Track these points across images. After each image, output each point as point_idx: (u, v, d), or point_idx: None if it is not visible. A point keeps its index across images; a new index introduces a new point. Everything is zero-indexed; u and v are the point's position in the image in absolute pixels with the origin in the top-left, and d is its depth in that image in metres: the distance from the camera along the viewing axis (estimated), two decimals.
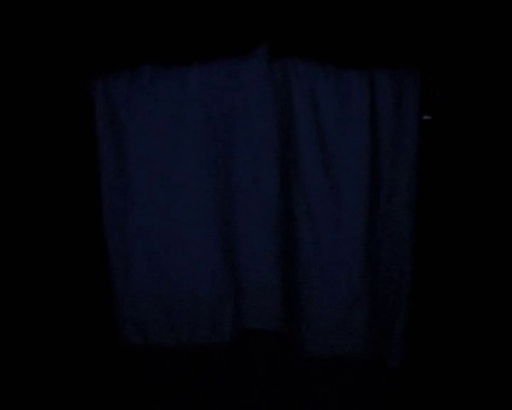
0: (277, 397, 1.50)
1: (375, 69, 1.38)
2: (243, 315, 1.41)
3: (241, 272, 1.39)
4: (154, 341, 1.42)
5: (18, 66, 1.44)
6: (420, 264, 1.43)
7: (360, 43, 1.46)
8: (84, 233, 1.49)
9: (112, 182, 1.37)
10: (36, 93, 1.44)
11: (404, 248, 1.39)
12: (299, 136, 1.37)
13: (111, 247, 1.38)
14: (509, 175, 1.49)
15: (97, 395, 1.55)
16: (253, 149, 1.36)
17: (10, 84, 1.44)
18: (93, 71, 1.36)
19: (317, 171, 1.37)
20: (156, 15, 1.46)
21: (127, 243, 1.38)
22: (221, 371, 1.49)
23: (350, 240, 1.38)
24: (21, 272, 1.51)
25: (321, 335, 1.41)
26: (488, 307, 1.53)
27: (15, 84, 1.44)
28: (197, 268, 1.39)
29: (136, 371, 1.47)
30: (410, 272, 1.39)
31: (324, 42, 1.48)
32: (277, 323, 1.39)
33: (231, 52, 1.40)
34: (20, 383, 1.53)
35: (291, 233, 1.39)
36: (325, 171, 1.37)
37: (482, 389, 1.54)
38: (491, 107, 1.51)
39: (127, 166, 1.36)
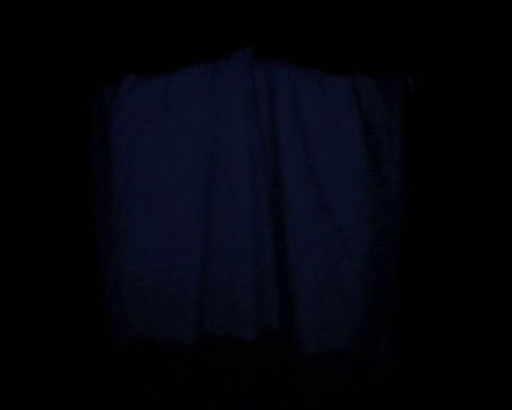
0: (266, 395, 1.51)
1: (358, 75, 1.40)
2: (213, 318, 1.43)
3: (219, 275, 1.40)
4: (144, 338, 1.43)
5: (25, 80, 1.57)
6: (407, 265, 1.47)
7: (343, 49, 1.47)
8: (76, 236, 1.54)
9: (102, 187, 1.42)
10: (39, 104, 1.56)
11: (392, 248, 1.42)
12: (282, 139, 1.38)
13: (101, 249, 1.43)
14: (493, 178, 1.53)
15: (89, 393, 1.58)
16: (234, 152, 1.38)
17: (20, 100, 1.58)
18: (88, 84, 1.45)
19: (298, 173, 1.38)
20: (142, 24, 1.51)
21: (116, 246, 1.40)
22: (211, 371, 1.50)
23: (338, 242, 1.39)
24: (22, 276, 1.59)
25: (312, 332, 1.41)
26: (475, 307, 1.56)
27: (22, 97, 1.57)
28: (179, 270, 1.39)
29: (128, 369, 1.47)
30: (396, 272, 1.42)
31: (307, 46, 1.49)
32: (271, 321, 1.41)
33: (215, 55, 1.41)
34: (18, 382, 1.58)
35: (275, 236, 1.40)
36: (308, 172, 1.38)
37: (469, 387, 1.55)
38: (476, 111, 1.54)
39: (116, 171, 1.40)
